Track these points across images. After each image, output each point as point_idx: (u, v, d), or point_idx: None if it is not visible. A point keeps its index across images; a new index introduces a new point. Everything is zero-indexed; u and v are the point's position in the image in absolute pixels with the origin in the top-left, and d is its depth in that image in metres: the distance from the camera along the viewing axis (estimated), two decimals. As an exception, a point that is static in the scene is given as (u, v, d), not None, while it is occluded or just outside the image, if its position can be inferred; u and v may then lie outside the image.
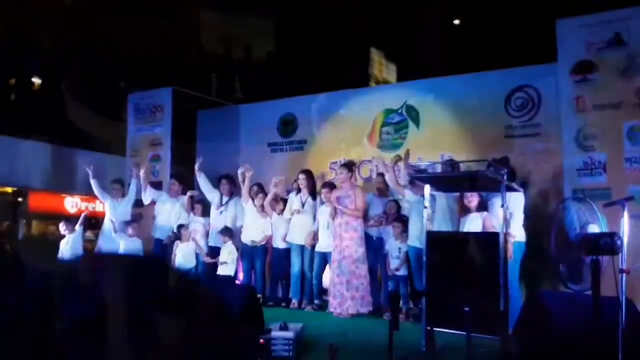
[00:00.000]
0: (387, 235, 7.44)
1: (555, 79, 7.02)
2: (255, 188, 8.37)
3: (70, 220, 8.89)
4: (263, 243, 8.18)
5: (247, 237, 8.16)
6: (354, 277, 7.13)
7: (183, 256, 8.29)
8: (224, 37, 14.19)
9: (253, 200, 8.21)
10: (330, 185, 7.85)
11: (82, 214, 8.98)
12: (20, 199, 11.12)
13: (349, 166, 7.71)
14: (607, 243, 3.69)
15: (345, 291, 7.12)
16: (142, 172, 8.77)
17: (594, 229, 4.09)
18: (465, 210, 6.57)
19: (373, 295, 7.31)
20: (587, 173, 6.58)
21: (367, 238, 7.58)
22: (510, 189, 5.23)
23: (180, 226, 8.45)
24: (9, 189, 11.06)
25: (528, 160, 7.42)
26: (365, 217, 7.61)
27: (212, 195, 8.58)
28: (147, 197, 8.80)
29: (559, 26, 6.93)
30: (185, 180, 8.90)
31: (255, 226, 8.16)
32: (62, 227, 8.66)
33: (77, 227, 8.62)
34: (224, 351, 3.98)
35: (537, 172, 7.38)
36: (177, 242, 8.38)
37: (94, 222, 9.30)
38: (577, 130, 6.70)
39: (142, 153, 10.35)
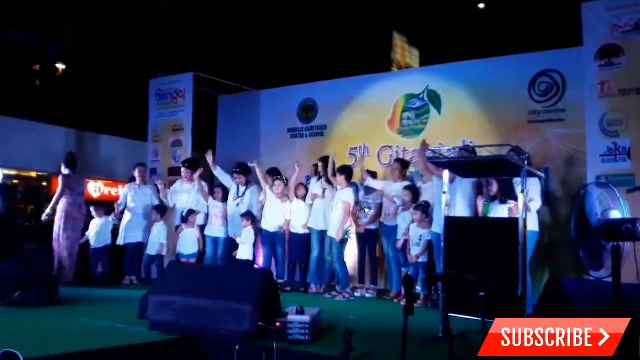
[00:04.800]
0: (404, 222, 7.38)
1: (580, 63, 6.86)
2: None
3: (98, 205, 8.99)
4: (284, 229, 8.19)
5: (268, 224, 8.19)
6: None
7: (185, 242, 8.32)
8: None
9: (271, 186, 8.23)
10: (341, 170, 7.81)
11: (115, 203, 9.04)
12: (44, 184, 11.26)
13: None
14: (629, 229, 3.62)
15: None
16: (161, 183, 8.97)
17: (615, 214, 4.02)
18: (487, 197, 6.49)
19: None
20: (611, 159, 6.43)
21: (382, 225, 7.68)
22: (531, 174, 5.14)
23: (190, 211, 8.43)
24: (34, 174, 11.20)
25: (552, 146, 7.31)
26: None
27: (230, 185, 8.62)
28: (171, 201, 8.85)
29: (585, 9, 6.77)
30: (196, 166, 8.89)
31: (276, 212, 8.17)
32: (92, 210, 8.74)
33: (110, 217, 8.77)
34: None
35: (561, 158, 7.27)
36: (182, 226, 8.40)
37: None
38: (602, 115, 6.56)
39: (163, 138, 10.41)
